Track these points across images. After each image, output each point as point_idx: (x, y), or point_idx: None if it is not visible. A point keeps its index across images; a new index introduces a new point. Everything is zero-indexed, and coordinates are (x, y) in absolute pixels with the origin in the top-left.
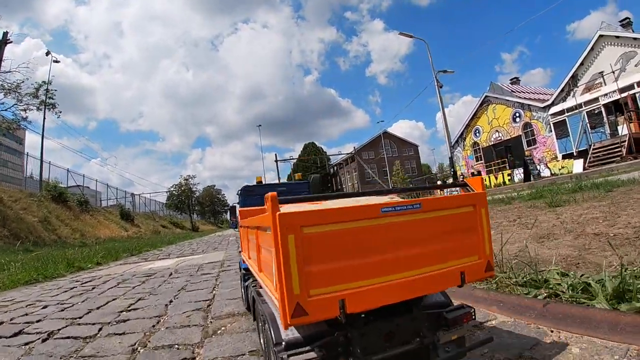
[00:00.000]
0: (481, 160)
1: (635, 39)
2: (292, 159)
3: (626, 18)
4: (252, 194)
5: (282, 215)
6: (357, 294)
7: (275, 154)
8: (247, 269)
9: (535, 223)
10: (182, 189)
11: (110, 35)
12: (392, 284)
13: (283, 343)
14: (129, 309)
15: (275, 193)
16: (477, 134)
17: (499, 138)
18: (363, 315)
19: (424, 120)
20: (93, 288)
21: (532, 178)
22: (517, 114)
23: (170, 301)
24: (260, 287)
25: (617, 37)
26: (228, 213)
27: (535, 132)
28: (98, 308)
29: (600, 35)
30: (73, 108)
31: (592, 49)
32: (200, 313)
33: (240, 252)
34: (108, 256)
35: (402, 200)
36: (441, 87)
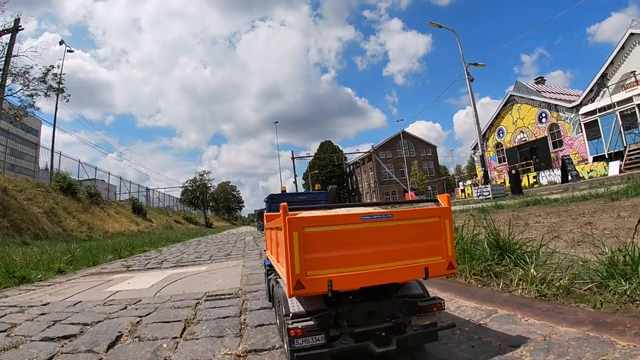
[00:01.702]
0: (504, 161)
1: None
2: (309, 156)
3: None
4: (277, 202)
5: (289, 219)
6: (342, 277)
7: (292, 151)
8: (270, 266)
9: None
10: (197, 184)
11: (128, 31)
12: (368, 272)
13: (290, 314)
14: None
15: (286, 203)
16: (501, 135)
17: (524, 139)
18: (350, 297)
19: (441, 122)
20: None
21: (570, 178)
22: (544, 114)
23: None
24: (279, 278)
25: None
26: (256, 217)
27: (562, 134)
28: None
29: (632, 34)
30: (91, 102)
31: (622, 47)
32: None
33: (265, 250)
34: (84, 259)
35: (379, 210)
36: (472, 80)
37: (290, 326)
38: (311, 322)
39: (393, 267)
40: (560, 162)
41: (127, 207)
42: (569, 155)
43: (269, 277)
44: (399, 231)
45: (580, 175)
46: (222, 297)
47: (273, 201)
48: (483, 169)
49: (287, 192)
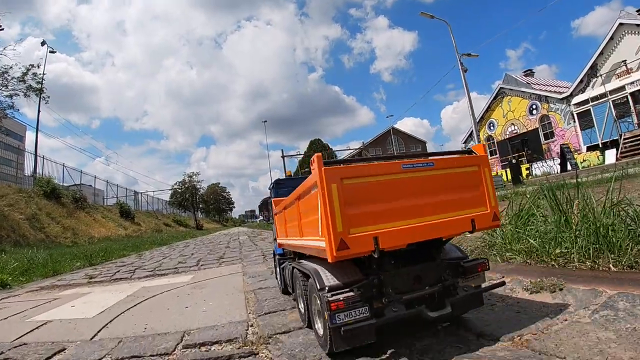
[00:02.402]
0: (496, 154)
1: None
2: (299, 154)
3: None
4: (283, 187)
5: (326, 170)
6: (388, 233)
7: (282, 150)
8: (282, 255)
9: None
10: (186, 186)
11: (113, 34)
12: (415, 226)
13: (326, 287)
14: None
15: (320, 154)
16: (492, 128)
17: (515, 131)
18: (393, 262)
19: (429, 118)
20: None
21: (569, 168)
22: (534, 106)
23: None
24: (299, 260)
25: (638, 25)
26: (258, 209)
27: (554, 125)
28: None
29: (620, 24)
30: (77, 107)
31: (611, 38)
32: None
33: (275, 239)
34: (42, 269)
35: (419, 159)
36: (466, 70)
37: (330, 299)
38: (353, 293)
39: (440, 220)
40: (551, 152)
41: (114, 211)
42: (567, 145)
43: (283, 266)
44: (441, 181)
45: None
46: (214, 346)
47: (280, 186)
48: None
49: (293, 177)
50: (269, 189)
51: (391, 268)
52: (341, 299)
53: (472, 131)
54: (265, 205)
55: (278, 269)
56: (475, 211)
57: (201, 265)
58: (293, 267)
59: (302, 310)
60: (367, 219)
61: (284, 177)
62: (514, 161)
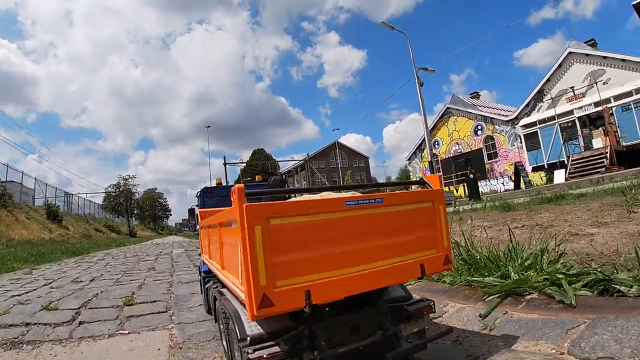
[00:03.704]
0: (439, 172)
1: (604, 57)
2: (242, 162)
3: (592, 39)
4: (212, 196)
5: (249, 207)
6: (323, 284)
7: (224, 157)
8: (207, 272)
9: None
10: (121, 189)
11: (59, 24)
12: (355, 275)
13: (248, 338)
14: None
15: (242, 185)
16: (436, 146)
17: (459, 150)
18: (327, 309)
19: (371, 135)
20: None
21: (524, 186)
22: (479, 127)
23: None
24: (223, 287)
25: (587, 54)
26: (188, 215)
27: (497, 145)
28: None
29: (570, 52)
30: (13, 98)
31: (559, 65)
32: None
33: (200, 254)
34: None
35: (365, 194)
36: (422, 84)
37: (251, 356)
38: (279, 349)
39: (386, 267)
40: (494, 172)
41: (41, 212)
42: (521, 163)
43: (207, 286)
44: (389, 220)
45: (532, 183)
46: None
47: (208, 195)
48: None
49: (224, 185)
50: (196, 196)
51: (325, 317)
52: (265, 355)
53: (415, 149)
54: (191, 214)
55: (202, 287)
56: (426, 254)
57: (77, 326)
58: (215, 297)
59: (226, 348)
60: (297, 267)
61: (214, 184)
62: (471, 176)
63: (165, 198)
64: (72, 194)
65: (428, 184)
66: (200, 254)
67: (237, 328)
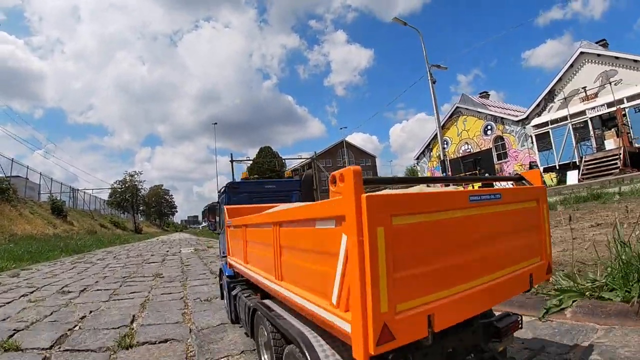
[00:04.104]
0: (448, 171)
1: (616, 57)
2: (248, 159)
3: (603, 39)
4: (238, 192)
5: (371, 198)
6: (445, 306)
7: (231, 154)
8: (232, 276)
9: None
10: (127, 185)
11: (66, 20)
12: (475, 291)
13: None
14: None
15: (359, 167)
16: (445, 145)
17: (468, 150)
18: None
19: (378, 135)
20: None
21: None
22: (489, 127)
23: None
24: (264, 299)
25: (599, 55)
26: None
27: (507, 146)
28: None
29: (581, 53)
30: (20, 93)
31: (571, 65)
32: None
33: (224, 255)
34: None
35: (485, 189)
36: (434, 82)
37: None
38: None
39: (501, 279)
40: (503, 172)
41: (46, 207)
42: (536, 163)
43: (234, 293)
44: (504, 221)
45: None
46: None
47: (235, 191)
48: (444, 174)
49: (251, 179)
50: (220, 192)
51: (424, 341)
52: None
53: (424, 148)
54: (212, 211)
55: (226, 293)
56: (532, 262)
57: None
58: (254, 310)
59: None
60: (419, 285)
61: (240, 180)
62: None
63: (172, 195)
64: (77, 190)
65: (527, 181)
66: (223, 256)
67: (309, 358)
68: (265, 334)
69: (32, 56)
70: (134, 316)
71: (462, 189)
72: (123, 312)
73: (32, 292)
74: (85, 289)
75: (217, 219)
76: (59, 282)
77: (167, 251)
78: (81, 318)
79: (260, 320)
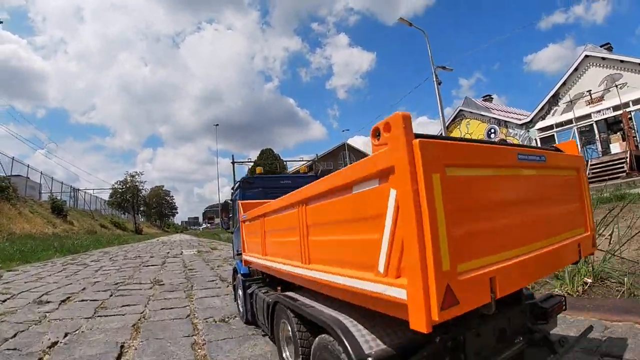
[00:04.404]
0: None
1: (621, 61)
2: (250, 161)
3: (607, 43)
4: (253, 187)
5: (424, 143)
6: (505, 270)
7: (232, 155)
8: (247, 274)
9: None
10: (127, 186)
11: (69, 20)
12: (530, 257)
13: (370, 357)
14: None
15: (409, 114)
16: None
17: None
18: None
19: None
20: None
21: None
22: (493, 130)
23: None
24: (286, 291)
25: (604, 58)
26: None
27: None
28: None
29: (586, 56)
30: (22, 93)
31: (576, 69)
32: None
33: (238, 253)
34: None
35: (530, 149)
36: (440, 83)
37: None
38: None
39: (552, 247)
40: None
41: (46, 206)
42: None
43: (250, 291)
44: (549, 186)
45: None
46: None
47: (249, 186)
48: None
49: (267, 175)
50: (233, 189)
51: (475, 321)
52: None
53: None
54: (225, 208)
55: (241, 292)
56: (579, 233)
57: None
58: (274, 304)
59: None
60: (478, 244)
61: (255, 175)
62: None
63: (172, 196)
64: (79, 189)
65: (562, 153)
66: (238, 254)
67: (348, 345)
68: (289, 327)
69: (35, 56)
70: (122, 347)
71: None
72: (108, 339)
73: (3, 302)
74: (68, 298)
75: (231, 216)
76: (41, 287)
77: (168, 253)
78: (50, 346)
79: (281, 314)
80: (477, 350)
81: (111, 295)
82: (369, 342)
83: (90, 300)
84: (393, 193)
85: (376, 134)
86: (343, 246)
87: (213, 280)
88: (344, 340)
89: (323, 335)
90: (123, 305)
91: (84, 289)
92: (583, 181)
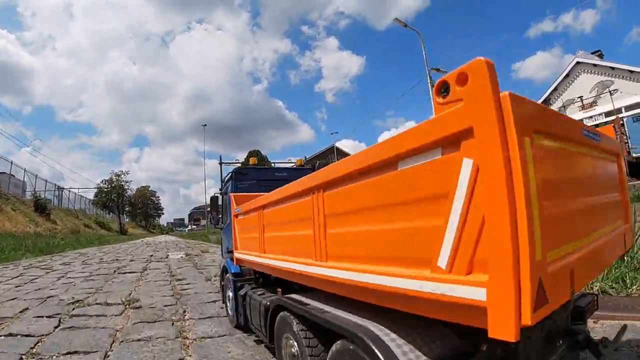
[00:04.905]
0: None
1: (612, 68)
2: (237, 162)
3: (598, 50)
4: (247, 178)
5: (515, 98)
6: (581, 260)
7: (220, 156)
8: (238, 274)
9: None
10: (113, 185)
11: (59, 16)
12: (597, 245)
13: None
14: None
15: (490, 60)
16: None
17: None
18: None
19: (367, 142)
20: None
21: None
22: None
23: None
24: (286, 294)
25: (595, 65)
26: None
27: None
28: None
29: (577, 62)
30: (9, 89)
31: (567, 75)
32: None
33: (228, 251)
34: None
35: (589, 127)
36: (434, 85)
37: None
38: None
39: (609, 237)
40: None
41: (29, 204)
42: None
43: (243, 293)
44: (601, 170)
45: None
46: None
47: (242, 178)
48: None
49: (261, 167)
50: (224, 181)
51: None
52: None
53: None
54: (215, 202)
55: (231, 293)
56: (621, 225)
57: None
58: (275, 307)
59: None
60: (563, 228)
61: (248, 166)
62: None
63: (158, 196)
64: (63, 188)
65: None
66: (228, 251)
67: (380, 355)
68: (294, 342)
69: (23, 51)
70: None
71: None
72: None
73: None
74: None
75: (220, 211)
76: None
77: (151, 255)
78: None
79: (284, 327)
80: (528, 357)
81: (57, 327)
82: (407, 353)
83: (22, 336)
84: (468, 164)
85: (441, 89)
86: (378, 238)
87: (214, 300)
88: (375, 349)
89: (342, 341)
90: (67, 353)
91: (25, 309)
92: (622, 170)
